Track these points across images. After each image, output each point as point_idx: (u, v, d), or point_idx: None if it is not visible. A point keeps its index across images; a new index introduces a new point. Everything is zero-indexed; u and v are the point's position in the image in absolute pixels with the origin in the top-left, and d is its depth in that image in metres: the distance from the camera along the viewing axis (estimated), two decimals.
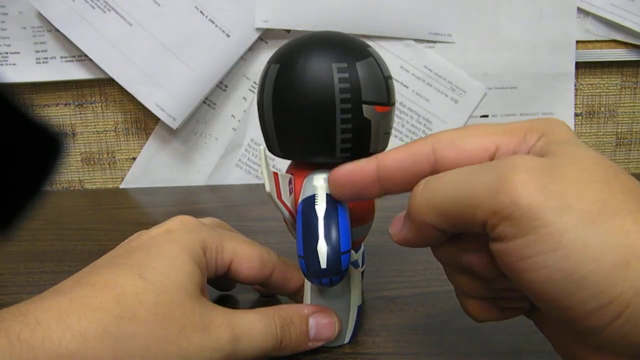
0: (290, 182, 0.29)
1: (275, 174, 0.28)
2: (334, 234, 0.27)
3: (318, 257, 0.26)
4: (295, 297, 0.34)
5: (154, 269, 0.27)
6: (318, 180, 0.28)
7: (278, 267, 0.32)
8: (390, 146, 0.33)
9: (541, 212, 0.19)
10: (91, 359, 0.23)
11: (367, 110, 0.28)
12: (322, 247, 0.27)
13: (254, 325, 0.27)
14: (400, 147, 0.25)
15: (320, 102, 0.27)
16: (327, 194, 0.27)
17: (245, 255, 0.31)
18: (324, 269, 0.26)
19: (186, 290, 0.27)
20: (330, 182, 0.26)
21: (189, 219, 0.31)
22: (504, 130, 0.23)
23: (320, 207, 0.27)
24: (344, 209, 0.27)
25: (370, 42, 0.67)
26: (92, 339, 0.23)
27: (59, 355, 0.22)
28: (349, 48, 0.28)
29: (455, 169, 0.22)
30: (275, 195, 0.28)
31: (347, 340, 0.31)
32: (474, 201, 0.20)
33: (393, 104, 0.30)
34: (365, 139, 0.28)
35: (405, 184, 0.24)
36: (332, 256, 0.26)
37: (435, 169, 0.24)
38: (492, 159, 0.23)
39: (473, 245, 0.24)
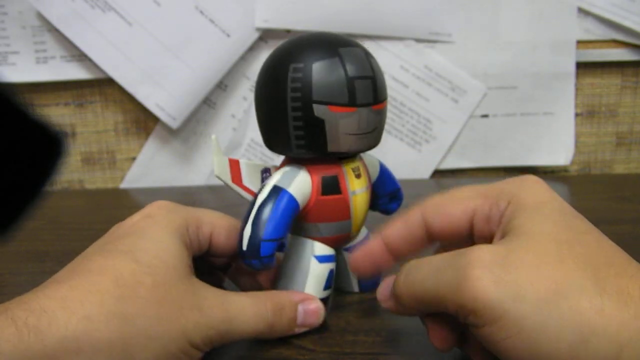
0: (265, 172, 0.34)
1: (236, 161, 0.33)
2: (260, 222, 0.29)
3: (242, 240, 0.30)
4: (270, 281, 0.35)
5: (145, 252, 0.28)
6: (276, 174, 0.31)
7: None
8: (392, 146, 0.33)
9: (499, 303, 0.21)
10: (97, 339, 0.24)
11: (319, 109, 0.29)
12: (246, 232, 0.30)
13: (247, 309, 0.29)
14: (397, 220, 0.29)
15: (274, 101, 0.30)
16: (274, 186, 0.30)
17: (222, 225, 0.32)
18: (244, 251, 0.29)
19: (178, 271, 0.28)
20: (351, 266, 0.31)
21: (165, 202, 0.32)
22: (480, 194, 0.27)
23: (261, 197, 0.30)
24: (289, 204, 0.30)
25: (370, 42, 0.67)
26: (97, 321, 0.24)
27: (66, 338, 0.23)
28: (316, 48, 0.30)
29: (430, 259, 0.25)
30: (226, 178, 0.32)
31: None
32: (442, 297, 0.23)
33: (360, 105, 0.29)
34: (321, 137, 0.30)
35: (409, 250, 0.29)
36: (252, 241, 0.29)
37: (429, 232, 0.28)
38: (471, 221, 0.27)
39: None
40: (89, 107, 0.71)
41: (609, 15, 0.65)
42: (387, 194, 0.37)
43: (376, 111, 0.30)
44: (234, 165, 0.33)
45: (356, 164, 0.33)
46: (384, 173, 0.36)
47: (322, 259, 0.33)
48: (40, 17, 0.65)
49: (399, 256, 0.29)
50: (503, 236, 0.24)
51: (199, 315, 0.27)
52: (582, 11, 0.65)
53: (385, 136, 0.68)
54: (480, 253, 0.22)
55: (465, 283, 0.21)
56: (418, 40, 0.66)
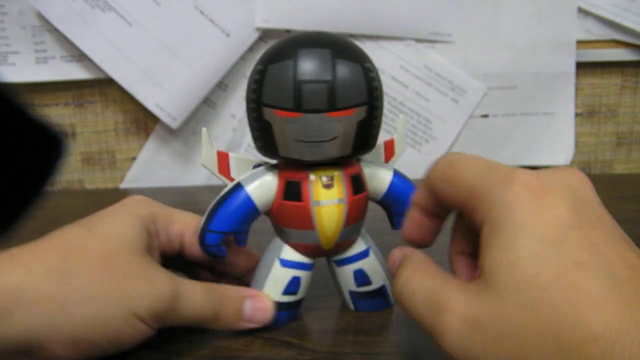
0: (256, 167, 0.33)
1: (225, 154, 0.33)
2: (211, 213, 0.31)
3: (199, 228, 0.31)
4: (248, 277, 0.35)
5: (101, 226, 0.30)
6: (247, 172, 0.32)
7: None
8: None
9: (465, 357, 0.22)
10: (36, 291, 0.26)
11: (267, 112, 0.29)
12: (201, 220, 0.31)
13: (196, 291, 0.30)
14: (420, 187, 0.28)
15: (245, 102, 0.30)
16: (237, 182, 0.31)
17: (195, 226, 0.32)
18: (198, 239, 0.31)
19: (131, 244, 0.29)
20: (405, 239, 0.29)
21: (141, 196, 0.33)
22: (470, 187, 0.25)
23: (223, 190, 0.31)
24: (243, 202, 0.31)
25: (370, 42, 0.67)
26: (38, 274, 0.26)
27: (7, 285, 0.26)
28: (280, 49, 0.29)
29: (422, 277, 0.25)
30: (212, 168, 0.33)
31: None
32: (424, 328, 0.24)
33: (308, 111, 0.28)
34: (271, 141, 0.29)
35: (435, 210, 0.28)
36: (201, 230, 0.31)
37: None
38: (460, 211, 0.26)
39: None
40: (89, 107, 0.71)
41: (609, 15, 0.65)
42: (402, 214, 0.31)
43: (334, 119, 0.28)
44: (223, 157, 0.33)
45: (330, 173, 0.31)
46: (397, 190, 0.33)
47: (285, 263, 0.32)
48: (40, 17, 0.65)
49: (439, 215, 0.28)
50: (481, 269, 0.23)
51: (144, 284, 0.28)
52: (582, 11, 0.65)
53: (385, 136, 0.68)
54: (453, 321, 0.23)
55: (441, 344, 0.23)
56: (418, 40, 0.66)
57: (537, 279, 0.21)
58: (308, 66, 0.28)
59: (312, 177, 0.31)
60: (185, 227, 0.33)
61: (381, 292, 0.34)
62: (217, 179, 0.33)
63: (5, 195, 0.14)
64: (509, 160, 0.70)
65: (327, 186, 0.31)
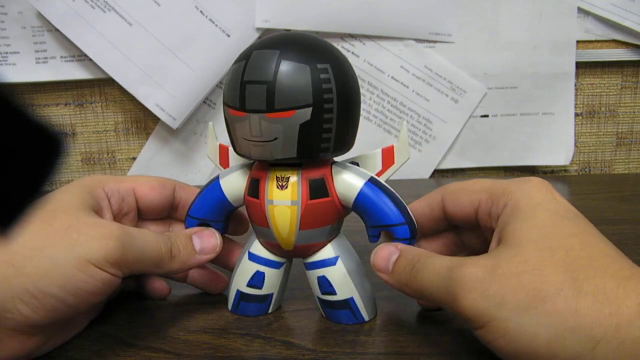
0: None
1: (225, 147, 0.35)
2: (193, 200, 0.35)
3: None
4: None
5: (44, 197, 0.30)
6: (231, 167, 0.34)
7: (178, 185, 0.37)
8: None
9: (486, 311, 0.24)
10: None
11: (225, 110, 0.30)
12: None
13: (145, 232, 0.31)
14: (421, 199, 0.33)
15: None
16: (216, 175, 0.34)
17: (143, 180, 0.36)
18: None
19: (72, 203, 0.30)
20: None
21: (94, 175, 0.35)
22: (486, 189, 0.30)
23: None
24: (214, 191, 0.33)
25: (370, 42, 0.67)
26: None
27: None
28: (243, 50, 0.30)
29: (433, 260, 0.28)
30: (215, 160, 0.36)
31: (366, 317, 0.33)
32: (443, 302, 0.27)
33: (250, 111, 0.28)
34: (231, 138, 0.31)
35: (430, 226, 0.33)
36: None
37: (445, 212, 0.32)
38: (476, 212, 0.30)
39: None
40: (89, 107, 0.71)
41: (609, 15, 0.65)
42: (374, 227, 0.31)
43: (273, 120, 0.28)
44: (223, 150, 0.36)
45: (286, 174, 0.31)
46: (366, 201, 0.31)
47: (252, 257, 0.33)
48: (40, 17, 0.65)
49: (422, 231, 0.32)
50: (499, 241, 0.27)
51: (92, 228, 0.28)
52: (582, 11, 0.65)
53: (385, 136, 0.68)
54: (472, 270, 0.25)
55: (460, 296, 0.25)
56: (418, 40, 0.66)
57: (554, 234, 0.25)
58: (253, 67, 0.29)
59: (269, 176, 0.31)
60: (133, 183, 0.35)
61: (347, 305, 0.32)
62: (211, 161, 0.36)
63: (3, 196, 0.14)
64: (509, 161, 0.70)
65: (281, 187, 0.31)
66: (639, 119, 0.70)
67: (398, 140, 0.32)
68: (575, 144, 0.69)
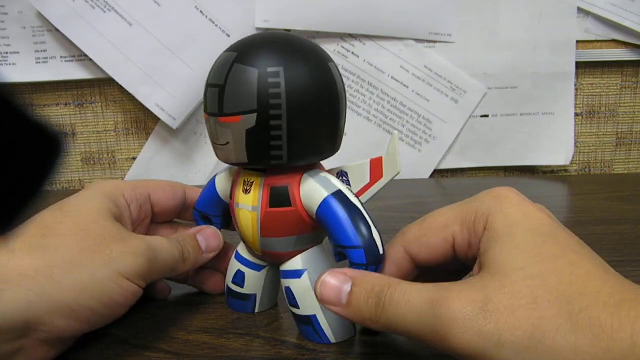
0: None
1: None
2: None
3: None
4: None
5: (69, 203, 0.32)
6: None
7: (188, 188, 0.38)
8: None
9: (485, 351, 0.22)
10: (23, 267, 0.27)
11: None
12: None
13: (162, 241, 0.32)
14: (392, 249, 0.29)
15: None
16: (217, 173, 0.35)
17: (156, 185, 0.37)
18: None
19: (101, 214, 0.31)
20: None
21: (107, 179, 0.36)
22: (458, 218, 0.27)
23: None
24: (211, 186, 0.35)
25: (370, 42, 0.67)
26: (21, 253, 0.27)
27: None
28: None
29: (407, 295, 0.24)
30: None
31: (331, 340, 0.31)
32: (426, 340, 0.24)
33: (210, 114, 0.29)
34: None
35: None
36: None
37: (414, 262, 0.29)
38: (453, 248, 0.28)
39: None
40: (89, 107, 0.71)
41: (609, 15, 0.65)
42: (335, 246, 0.29)
43: (224, 124, 0.28)
44: None
45: (250, 178, 0.30)
46: (326, 216, 0.28)
47: (237, 256, 0.34)
48: (40, 17, 0.65)
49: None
50: (481, 267, 0.25)
51: (123, 245, 0.30)
52: (582, 11, 0.65)
53: (385, 136, 0.68)
54: (461, 306, 0.23)
55: (451, 336, 0.23)
56: (418, 40, 0.66)
57: (539, 257, 0.23)
58: (215, 70, 0.29)
59: (239, 179, 0.31)
60: (148, 188, 0.36)
61: (310, 321, 0.31)
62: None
63: (3, 196, 0.14)
64: (509, 161, 0.70)
65: (246, 191, 0.31)
66: (639, 119, 0.70)
67: (387, 153, 0.30)
68: (575, 144, 0.69)
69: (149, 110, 0.67)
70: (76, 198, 0.32)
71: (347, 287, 0.26)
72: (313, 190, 0.29)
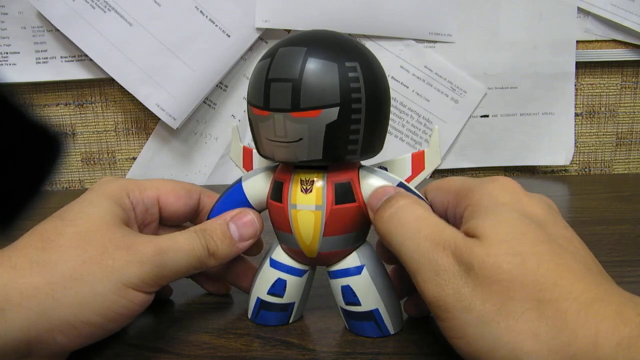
0: None
1: (249, 150, 0.34)
2: (214, 203, 0.33)
3: None
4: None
5: (71, 211, 0.30)
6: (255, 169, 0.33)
7: (204, 193, 0.36)
8: (393, 146, 0.32)
9: (453, 309, 0.24)
10: (23, 285, 0.26)
11: (249, 109, 0.29)
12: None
13: (177, 239, 0.30)
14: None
15: None
16: (239, 178, 0.33)
17: (169, 188, 0.34)
18: None
19: (104, 220, 0.29)
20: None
21: (112, 177, 0.34)
22: (456, 190, 0.29)
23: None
24: (235, 193, 0.32)
25: (370, 42, 0.67)
26: (21, 269, 0.27)
27: None
28: (270, 48, 0.29)
29: (417, 229, 0.26)
30: (238, 162, 0.35)
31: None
32: (415, 280, 0.26)
33: (274, 110, 0.27)
34: (255, 139, 0.30)
35: None
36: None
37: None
38: (446, 212, 0.29)
39: None
40: (89, 107, 0.71)
41: (608, 15, 0.65)
42: None
43: (298, 119, 0.27)
44: (247, 153, 0.35)
45: (311, 176, 0.30)
46: None
47: (274, 264, 0.32)
48: (41, 17, 0.65)
49: None
50: (465, 233, 0.26)
51: (127, 253, 0.28)
52: (582, 11, 0.65)
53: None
54: (447, 261, 0.24)
55: (437, 268, 0.24)
56: (418, 40, 0.66)
57: (524, 236, 0.24)
58: (279, 64, 0.27)
59: (293, 178, 0.30)
60: (158, 191, 0.34)
61: (372, 316, 0.31)
62: (234, 164, 0.35)
63: (4, 195, 0.14)
64: (509, 161, 0.70)
65: (305, 190, 0.30)
66: (639, 119, 0.70)
67: (429, 145, 0.31)
68: (575, 144, 0.69)
69: (149, 110, 0.67)
70: (78, 204, 0.31)
71: (388, 195, 0.28)
72: (377, 184, 0.30)
